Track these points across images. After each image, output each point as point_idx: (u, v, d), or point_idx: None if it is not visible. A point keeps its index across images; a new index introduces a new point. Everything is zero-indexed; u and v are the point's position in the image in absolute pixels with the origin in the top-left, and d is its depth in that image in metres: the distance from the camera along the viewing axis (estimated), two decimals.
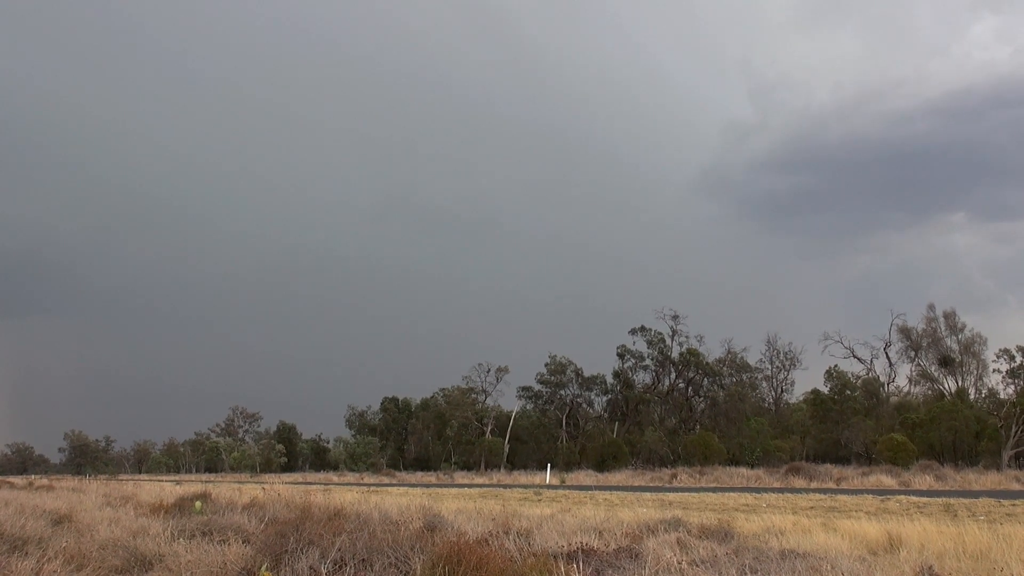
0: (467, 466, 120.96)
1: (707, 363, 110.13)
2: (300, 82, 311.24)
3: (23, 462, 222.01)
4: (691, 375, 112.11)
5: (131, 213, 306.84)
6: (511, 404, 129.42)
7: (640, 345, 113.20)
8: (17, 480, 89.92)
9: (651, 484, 59.84)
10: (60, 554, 13.96)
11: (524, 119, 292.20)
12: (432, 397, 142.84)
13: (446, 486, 62.72)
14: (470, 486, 61.74)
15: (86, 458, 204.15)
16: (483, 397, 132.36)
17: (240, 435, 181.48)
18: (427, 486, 62.39)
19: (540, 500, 35.91)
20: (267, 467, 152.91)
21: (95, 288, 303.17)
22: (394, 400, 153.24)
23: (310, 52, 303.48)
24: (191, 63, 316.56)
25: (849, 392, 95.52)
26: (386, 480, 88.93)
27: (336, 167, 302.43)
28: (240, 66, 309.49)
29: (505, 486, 59.90)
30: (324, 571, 11.37)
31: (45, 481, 76.23)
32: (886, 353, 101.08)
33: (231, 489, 38.52)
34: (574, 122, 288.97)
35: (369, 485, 66.47)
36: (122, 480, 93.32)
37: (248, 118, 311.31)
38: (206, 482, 70.62)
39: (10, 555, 13.78)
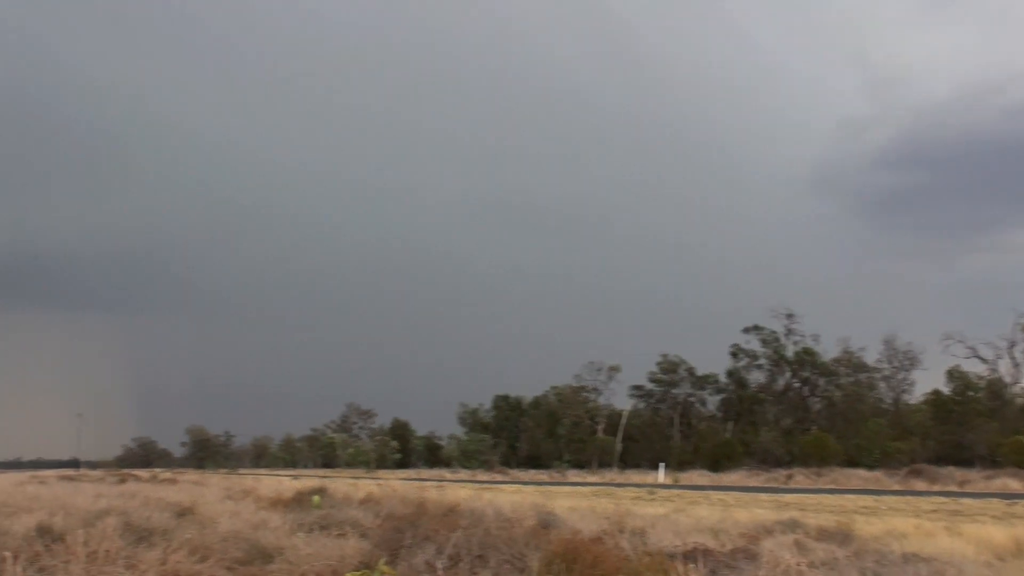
0: (579, 464, 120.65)
1: (823, 362, 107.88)
2: (402, 84, 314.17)
3: (147, 456, 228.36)
4: (806, 374, 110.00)
5: (242, 216, 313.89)
6: (623, 403, 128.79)
7: (754, 344, 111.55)
8: (142, 473, 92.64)
9: (766, 485, 59.03)
10: (184, 545, 14.31)
11: (632, 116, 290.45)
12: (544, 395, 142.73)
13: (558, 484, 62.76)
14: (582, 484, 61.69)
15: (207, 452, 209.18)
16: (595, 395, 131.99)
17: (355, 431, 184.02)
18: (539, 484, 62.50)
19: (653, 499, 35.69)
20: (381, 463, 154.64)
21: (211, 288, 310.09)
22: (506, 398, 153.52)
23: (412, 54, 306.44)
24: (293, 69, 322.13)
25: (972, 393, 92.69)
26: (498, 477, 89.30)
27: (443, 168, 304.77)
28: (341, 70, 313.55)
29: (618, 485, 59.69)
30: (440, 566, 11.44)
31: (168, 474, 78.39)
32: (1010, 353, 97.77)
33: (347, 485, 39.11)
34: (684, 119, 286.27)
35: (482, 482, 66.85)
36: (241, 474, 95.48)
37: (350, 121, 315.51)
38: (322, 477, 71.80)
39: (137, 545, 14.18)
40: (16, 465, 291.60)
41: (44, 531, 15.18)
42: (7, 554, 11.91)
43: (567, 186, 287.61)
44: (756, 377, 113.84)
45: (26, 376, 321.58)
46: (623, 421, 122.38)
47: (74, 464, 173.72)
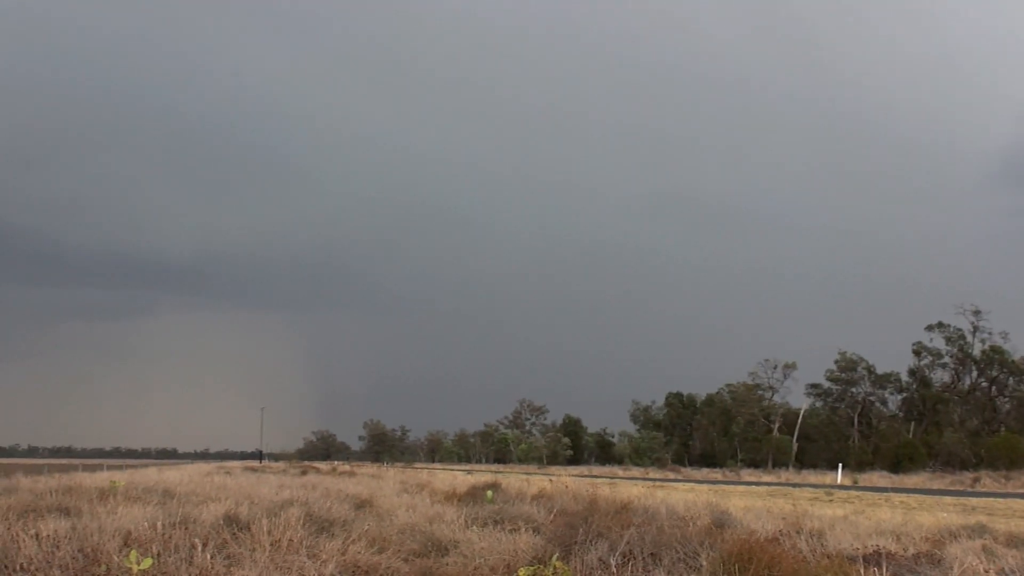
0: (753, 464, 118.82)
1: (1012, 361, 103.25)
2: (570, 80, 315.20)
3: (327, 448, 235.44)
4: (995, 374, 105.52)
5: (418, 218, 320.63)
6: (799, 401, 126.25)
7: (937, 342, 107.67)
8: (322, 465, 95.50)
9: (951, 488, 56.90)
10: (363, 537, 14.64)
11: (806, 107, 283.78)
12: (717, 393, 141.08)
13: (732, 483, 61.91)
14: (757, 484, 60.70)
15: (383, 446, 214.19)
16: (770, 394, 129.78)
17: (527, 427, 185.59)
18: (713, 483, 61.79)
19: (831, 501, 34.81)
20: (553, 459, 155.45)
21: (388, 287, 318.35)
22: (678, 395, 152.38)
23: (580, 50, 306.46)
24: (465, 73, 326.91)
25: None
26: (671, 476, 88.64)
27: (612, 163, 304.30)
28: (509, 68, 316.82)
29: (794, 485, 58.53)
30: (613, 564, 11.40)
31: (347, 467, 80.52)
32: None
33: (519, 480, 39.39)
34: (862, 109, 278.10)
35: (654, 480, 66.47)
36: (416, 468, 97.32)
37: (519, 119, 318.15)
38: (495, 472, 72.57)
39: (319, 535, 14.58)
40: (203, 456, 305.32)
41: (231, 520, 15.76)
42: (197, 541, 12.41)
43: (741, 178, 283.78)
44: (940, 376, 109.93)
45: (213, 372, 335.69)
46: (799, 420, 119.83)
47: (258, 456, 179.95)
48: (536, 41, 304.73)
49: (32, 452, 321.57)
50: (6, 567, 10.66)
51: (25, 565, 10.74)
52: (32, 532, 12.67)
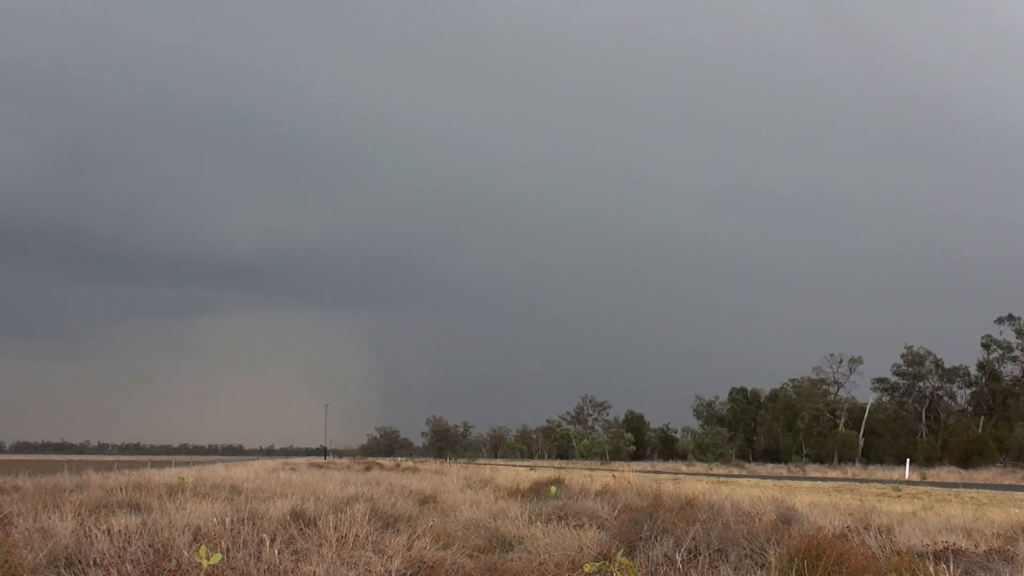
0: (819, 459, 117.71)
1: None
2: (634, 75, 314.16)
3: (390, 444, 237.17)
4: None
5: (483, 215, 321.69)
6: (865, 396, 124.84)
7: (1008, 335, 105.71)
8: (385, 462, 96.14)
9: (1022, 483, 55.89)
10: (428, 532, 14.72)
11: (869, 89, 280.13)
12: (781, 388, 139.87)
13: (797, 479, 61.31)
14: (823, 479, 60.06)
15: (446, 442, 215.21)
16: (835, 388, 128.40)
17: (589, 423, 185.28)
18: (778, 478, 61.24)
19: (899, 496, 34.32)
20: (616, 455, 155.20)
21: (452, 284, 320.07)
22: (742, 390, 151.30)
23: (642, 44, 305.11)
24: (527, 70, 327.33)
25: None
26: (735, 471, 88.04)
27: (677, 157, 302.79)
28: (572, 66, 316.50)
29: (860, 480, 57.87)
30: (679, 559, 11.35)
31: (410, 463, 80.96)
32: None
33: (582, 476, 39.35)
34: (926, 89, 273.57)
35: (718, 476, 66.02)
36: (479, 464, 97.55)
37: (583, 117, 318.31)
38: (558, 468, 72.55)
39: (384, 531, 14.67)
40: (269, 453, 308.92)
41: (297, 516, 15.91)
42: (265, 537, 12.55)
43: (806, 167, 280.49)
44: (1010, 370, 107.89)
45: (278, 369, 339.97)
46: (866, 415, 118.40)
47: (322, 452, 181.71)
48: (598, 38, 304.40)
49: (102, 449, 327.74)
50: (79, 562, 10.85)
51: (98, 560, 10.92)
52: (104, 528, 12.88)
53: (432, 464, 79.74)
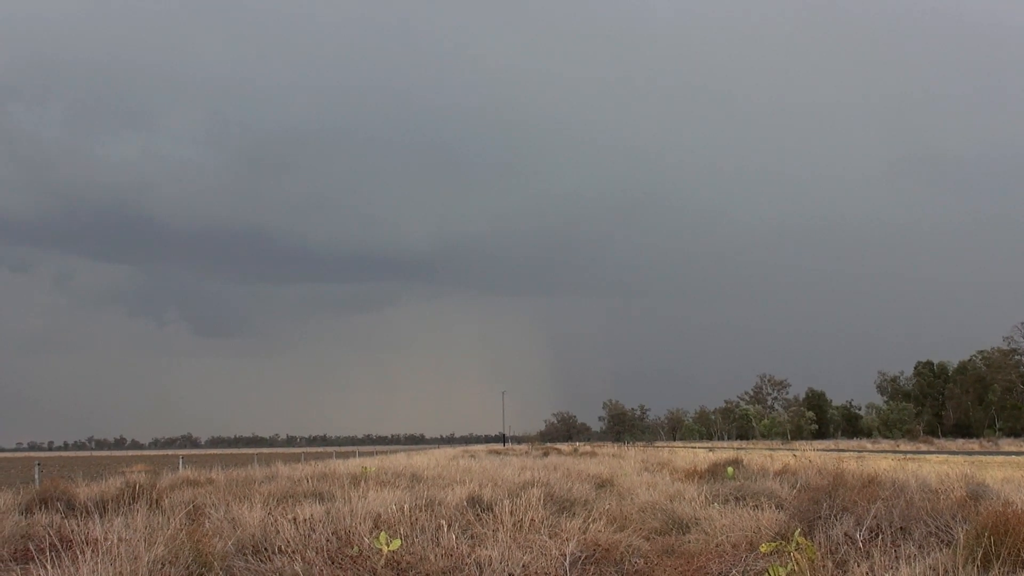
0: (1013, 433, 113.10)
1: None
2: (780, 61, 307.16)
3: (567, 430, 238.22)
4: None
5: (645, 206, 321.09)
6: None
7: None
8: (563, 447, 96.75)
9: None
10: (603, 515, 14.75)
11: None
12: (970, 360, 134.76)
13: (990, 454, 58.99)
14: (1018, 454, 57.62)
15: (623, 426, 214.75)
16: None
17: (769, 402, 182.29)
18: (968, 454, 59.03)
19: None
20: (797, 434, 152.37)
21: (622, 270, 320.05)
22: (928, 364, 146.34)
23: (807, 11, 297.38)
24: (684, 74, 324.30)
25: None
26: (923, 447, 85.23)
27: (844, 135, 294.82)
28: (731, 67, 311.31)
29: None
30: (860, 538, 11.06)
31: (587, 448, 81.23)
32: None
33: (762, 456, 38.72)
34: None
35: (905, 452, 64.03)
36: (657, 447, 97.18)
37: (738, 115, 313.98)
38: (737, 449, 71.65)
39: (560, 515, 14.78)
40: (449, 441, 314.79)
41: (474, 501, 16.15)
42: (442, 523, 12.79)
43: (986, 128, 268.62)
44: None
45: (456, 358, 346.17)
46: None
47: (501, 439, 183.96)
48: (751, 30, 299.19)
49: (290, 441, 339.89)
50: (266, 549, 11.27)
51: (283, 547, 11.33)
52: (290, 516, 13.36)
53: (610, 448, 79.84)
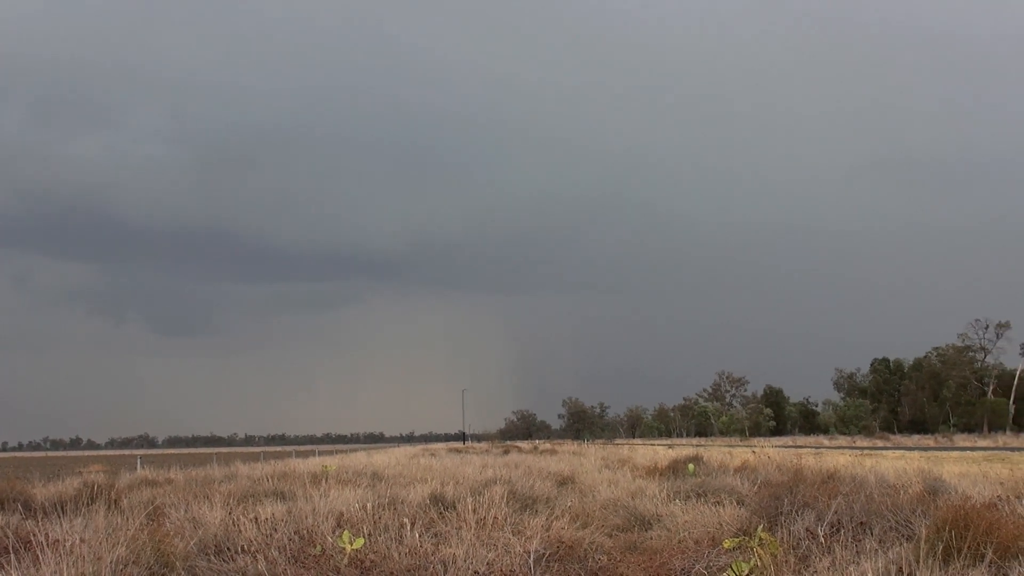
0: (967, 428, 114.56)
1: None
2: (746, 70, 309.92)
3: (527, 427, 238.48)
4: None
5: (603, 207, 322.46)
6: (1014, 362, 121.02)
7: None
8: (523, 444, 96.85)
9: None
10: (566, 512, 14.79)
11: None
12: (925, 357, 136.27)
13: (945, 449, 59.70)
14: (972, 449, 58.38)
15: (583, 423, 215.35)
16: (982, 355, 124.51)
17: (727, 400, 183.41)
18: (924, 449, 59.70)
19: None
20: (755, 431, 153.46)
21: (581, 269, 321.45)
22: (885, 361, 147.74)
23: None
24: (654, 77, 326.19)
25: None
26: (879, 443, 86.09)
27: (807, 137, 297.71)
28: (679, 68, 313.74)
29: (1012, 449, 56.13)
30: (821, 533, 11.16)
31: (548, 445, 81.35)
32: None
33: (721, 453, 38.94)
34: None
35: (861, 449, 64.65)
36: (617, 444, 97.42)
37: (696, 113, 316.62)
38: (696, 446, 72.00)
39: (522, 513, 14.79)
40: (409, 439, 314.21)
41: (437, 500, 16.14)
42: (405, 521, 12.77)
43: (951, 131, 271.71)
44: None
45: (416, 357, 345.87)
46: (1016, 381, 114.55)
47: (461, 437, 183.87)
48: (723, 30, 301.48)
49: (249, 441, 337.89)
50: (228, 549, 11.19)
51: (246, 547, 11.26)
52: (251, 516, 13.28)
53: (570, 446, 79.95)
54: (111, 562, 9.12)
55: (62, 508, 14.65)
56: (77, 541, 9.44)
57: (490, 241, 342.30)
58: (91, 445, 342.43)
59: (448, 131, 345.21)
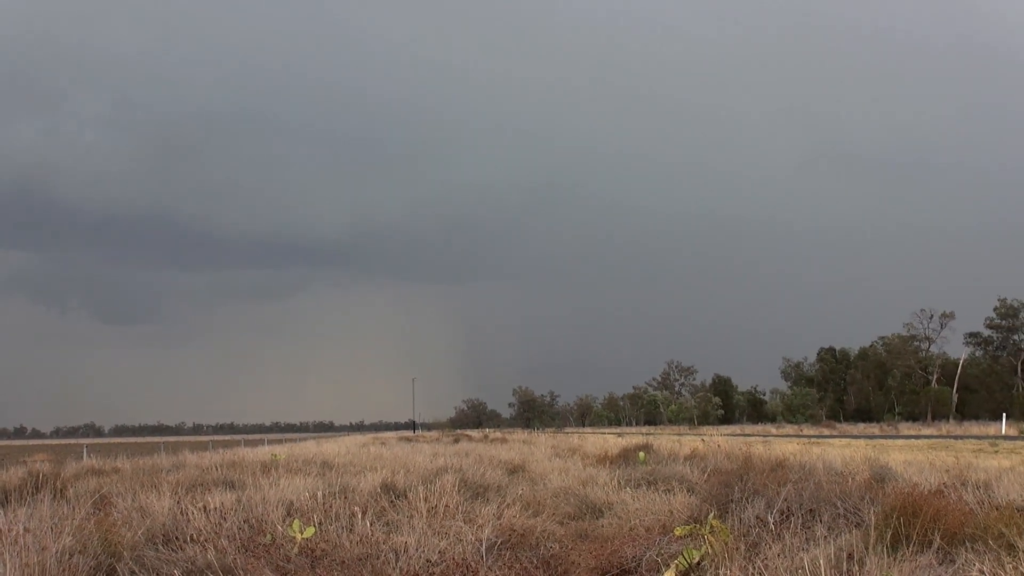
0: (912, 417, 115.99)
1: None
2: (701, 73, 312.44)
3: (477, 416, 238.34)
4: None
5: (559, 197, 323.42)
6: (957, 351, 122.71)
7: None
8: (473, 433, 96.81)
9: None
10: (518, 501, 14.79)
11: (948, 48, 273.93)
12: (871, 346, 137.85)
13: (890, 437, 60.48)
14: (916, 437, 59.16)
15: (533, 412, 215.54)
16: (926, 345, 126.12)
17: (676, 388, 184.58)
18: (870, 437, 60.44)
19: (996, 452, 33.61)
20: (704, 419, 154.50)
21: (532, 259, 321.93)
22: (831, 350, 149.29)
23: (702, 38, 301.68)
24: (614, 65, 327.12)
25: None
26: (826, 432, 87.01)
27: (755, 132, 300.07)
28: (651, 64, 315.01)
29: (955, 437, 56.90)
30: (771, 521, 11.23)
31: (498, 434, 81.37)
32: None
33: (671, 441, 39.16)
34: (1002, 43, 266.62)
35: (809, 437, 65.32)
36: (567, 433, 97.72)
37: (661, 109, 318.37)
38: (646, 434, 72.35)
39: (474, 501, 14.77)
40: (359, 428, 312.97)
41: (388, 488, 16.07)
42: (356, 510, 12.69)
43: (891, 126, 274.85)
44: None
45: (366, 345, 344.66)
46: (959, 370, 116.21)
47: (411, 426, 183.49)
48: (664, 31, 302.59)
49: (197, 430, 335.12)
50: (177, 538, 11.06)
51: (195, 536, 11.13)
52: (200, 505, 13.15)
53: (520, 434, 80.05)
54: (57, 552, 8.98)
55: (6, 498, 14.43)
56: (21, 531, 9.28)
57: (438, 230, 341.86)
58: (36, 434, 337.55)
59: (396, 120, 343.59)
